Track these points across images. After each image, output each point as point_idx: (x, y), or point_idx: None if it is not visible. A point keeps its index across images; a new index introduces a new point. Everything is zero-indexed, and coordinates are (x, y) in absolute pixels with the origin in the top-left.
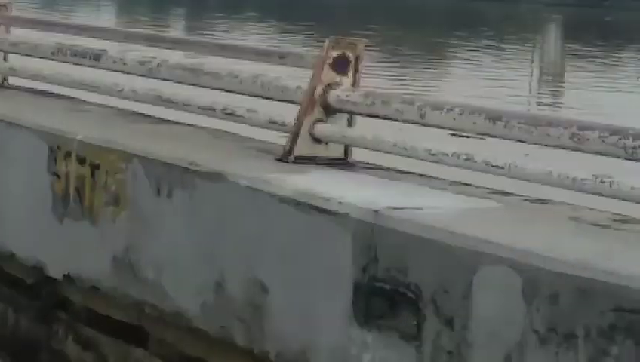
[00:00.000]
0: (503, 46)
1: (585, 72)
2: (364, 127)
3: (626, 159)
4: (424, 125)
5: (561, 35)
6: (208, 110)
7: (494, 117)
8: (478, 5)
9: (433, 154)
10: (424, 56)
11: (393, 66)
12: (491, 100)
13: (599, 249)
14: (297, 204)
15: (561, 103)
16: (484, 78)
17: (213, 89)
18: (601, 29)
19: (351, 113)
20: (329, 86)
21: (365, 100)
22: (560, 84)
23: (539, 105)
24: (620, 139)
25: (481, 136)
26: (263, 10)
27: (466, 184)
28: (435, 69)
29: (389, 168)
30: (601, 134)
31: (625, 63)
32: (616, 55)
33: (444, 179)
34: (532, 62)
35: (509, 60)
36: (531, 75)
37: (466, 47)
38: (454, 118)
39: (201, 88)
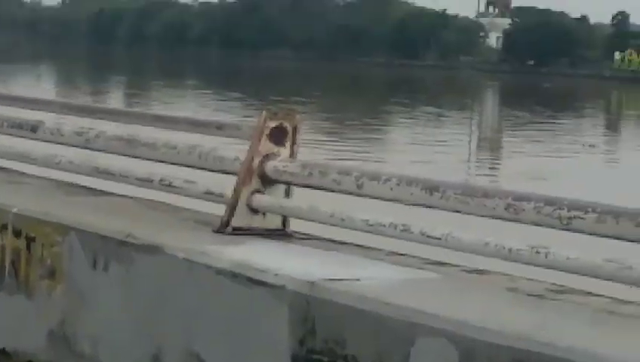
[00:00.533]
0: (443, 112)
1: (524, 138)
2: (302, 198)
3: (561, 229)
4: (361, 196)
5: (500, 101)
6: (146, 181)
7: (431, 187)
8: (416, 72)
9: (370, 225)
10: (367, 123)
11: (336, 132)
12: (432, 165)
13: (535, 320)
14: (234, 276)
15: (498, 168)
16: (424, 145)
17: (150, 160)
18: (541, 95)
19: (288, 184)
20: (266, 157)
21: (303, 171)
22: (498, 150)
23: (478, 170)
24: (555, 209)
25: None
26: (204, 78)
27: (403, 254)
28: (377, 136)
29: (326, 238)
30: (537, 205)
31: (565, 129)
32: (557, 121)
33: (381, 250)
34: (471, 128)
35: (449, 126)
36: (470, 141)
37: (406, 114)
38: (391, 189)
39: (139, 159)
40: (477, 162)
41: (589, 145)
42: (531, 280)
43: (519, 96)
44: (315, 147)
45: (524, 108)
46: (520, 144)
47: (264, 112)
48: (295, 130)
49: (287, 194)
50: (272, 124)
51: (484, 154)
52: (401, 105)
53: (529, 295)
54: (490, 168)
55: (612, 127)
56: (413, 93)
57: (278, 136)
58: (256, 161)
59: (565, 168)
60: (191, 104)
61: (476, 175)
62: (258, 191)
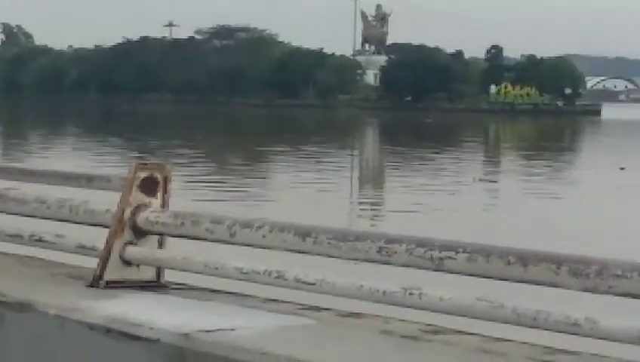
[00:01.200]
0: (324, 151)
1: (408, 174)
2: (177, 248)
3: (433, 270)
4: (234, 244)
5: (381, 138)
6: (15, 237)
7: (303, 233)
8: (296, 111)
9: (245, 273)
10: (248, 164)
11: (219, 174)
12: (314, 205)
13: (411, 361)
14: (108, 332)
15: (382, 206)
16: (305, 184)
17: (20, 215)
18: (422, 130)
19: (161, 234)
20: (138, 208)
21: (175, 221)
22: (381, 187)
23: (360, 209)
24: (427, 250)
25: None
26: (83, 124)
27: (279, 301)
28: (259, 177)
29: (202, 288)
30: (408, 246)
31: (449, 163)
32: (441, 155)
33: (257, 297)
34: (352, 166)
35: (331, 165)
36: (352, 179)
37: (287, 154)
38: (264, 236)
39: (8, 215)
40: (360, 201)
41: (478, 180)
42: (406, 321)
43: (400, 132)
44: (196, 190)
45: (406, 144)
46: (404, 180)
47: (134, 164)
48: (166, 180)
49: (161, 244)
50: (143, 174)
51: (367, 192)
52: (281, 145)
53: (403, 336)
54: (373, 206)
55: (494, 159)
56: (293, 132)
57: (149, 186)
58: (128, 213)
59: (455, 203)
60: (72, 152)
61: (359, 215)
62: (131, 243)
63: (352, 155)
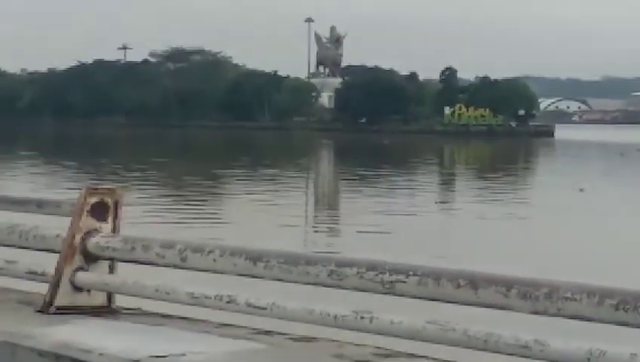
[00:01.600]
0: (280, 173)
1: (366, 196)
2: (129, 273)
3: (384, 293)
4: (186, 268)
5: (337, 160)
6: None
7: (254, 257)
8: (251, 134)
9: (196, 297)
10: (204, 187)
11: (174, 197)
12: (271, 228)
13: None
14: (58, 358)
15: (336, 228)
16: (262, 206)
17: None
18: (379, 152)
19: (112, 259)
20: (88, 233)
21: (125, 246)
22: (339, 209)
23: (315, 232)
24: (378, 274)
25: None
26: (37, 148)
27: (232, 326)
28: (215, 200)
29: (154, 313)
30: (359, 270)
31: (407, 185)
32: (400, 178)
33: (208, 322)
34: (307, 188)
35: (287, 187)
36: (307, 202)
37: (243, 176)
38: (215, 260)
39: None
40: (316, 223)
41: (439, 202)
42: (358, 345)
43: (357, 154)
44: (152, 213)
45: (364, 166)
46: (361, 201)
47: (84, 189)
48: (117, 204)
49: (112, 269)
50: (93, 199)
51: (323, 213)
52: (237, 167)
53: (355, 361)
54: (330, 228)
55: (452, 181)
56: (249, 154)
57: (99, 211)
58: (78, 238)
59: (413, 224)
60: (24, 176)
61: (315, 237)
62: (81, 269)
63: (307, 177)
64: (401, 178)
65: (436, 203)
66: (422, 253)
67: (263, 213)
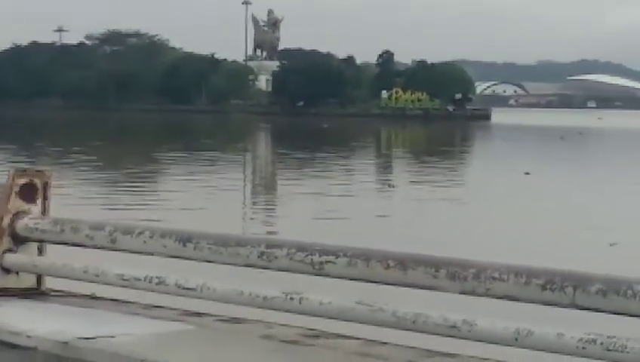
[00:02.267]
0: (218, 156)
1: (297, 178)
2: (58, 255)
3: (314, 275)
4: (116, 250)
5: (277, 144)
6: None
7: (184, 239)
8: (188, 117)
9: (125, 279)
10: (140, 170)
11: (111, 181)
12: (207, 211)
13: None
14: None
15: (274, 211)
16: (199, 190)
17: None
18: (318, 135)
19: (41, 241)
20: (17, 215)
21: (54, 228)
22: (274, 192)
23: (253, 213)
24: (308, 255)
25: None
26: None
27: (161, 307)
28: (151, 183)
29: (84, 295)
30: (289, 251)
31: (338, 169)
32: (335, 161)
33: (138, 303)
34: (245, 171)
35: (225, 171)
36: (245, 184)
37: (179, 159)
38: (145, 242)
39: None
40: (254, 206)
41: (391, 185)
42: (287, 326)
43: (297, 138)
44: (87, 198)
45: (302, 149)
46: (299, 184)
47: (12, 170)
48: (46, 186)
49: (41, 251)
50: (21, 181)
51: (260, 197)
52: (174, 150)
53: (284, 341)
54: (267, 211)
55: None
56: (185, 138)
57: (28, 193)
58: (6, 220)
59: (353, 206)
60: None
61: (252, 218)
62: (10, 251)
63: (244, 161)
64: (346, 161)
65: (390, 186)
66: (360, 235)
67: (199, 199)
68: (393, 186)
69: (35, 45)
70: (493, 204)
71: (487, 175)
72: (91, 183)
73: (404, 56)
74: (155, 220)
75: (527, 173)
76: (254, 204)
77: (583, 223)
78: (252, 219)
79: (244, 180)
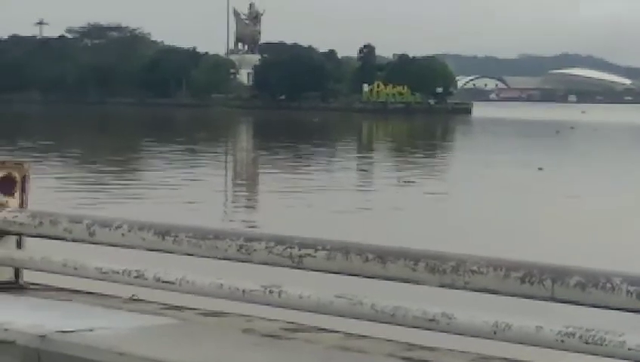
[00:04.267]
0: (199, 149)
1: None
2: (37, 248)
3: (293, 268)
4: (94, 243)
5: (263, 137)
6: None
7: (163, 231)
8: (169, 111)
9: (104, 273)
10: (121, 164)
11: (92, 175)
12: (195, 205)
13: (271, 360)
14: None
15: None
16: (181, 184)
17: None
18: (306, 129)
19: (19, 234)
20: None
21: (33, 221)
22: (255, 186)
23: (235, 207)
24: (287, 248)
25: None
26: None
27: (141, 301)
28: (133, 176)
29: (63, 288)
30: (268, 244)
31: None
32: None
33: (119, 297)
34: (226, 165)
35: (206, 165)
36: (226, 177)
37: (162, 153)
38: (123, 235)
39: None
40: (235, 199)
41: (404, 181)
42: (267, 319)
43: (290, 134)
44: (68, 190)
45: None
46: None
47: None
48: (24, 179)
49: (19, 245)
50: (0, 174)
51: (241, 190)
52: (155, 144)
53: (264, 335)
54: (248, 204)
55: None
56: (167, 132)
57: (6, 186)
58: None
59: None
60: None
61: (234, 208)
62: None
63: (226, 154)
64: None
65: (405, 182)
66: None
67: (183, 192)
68: (406, 182)
69: (15, 38)
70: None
71: (505, 171)
72: (68, 177)
73: (386, 50)
74: (132, 214)
75: (541, 169)
76: (234, 198)
77: None
78: (233, 210)
79: (225, 174)
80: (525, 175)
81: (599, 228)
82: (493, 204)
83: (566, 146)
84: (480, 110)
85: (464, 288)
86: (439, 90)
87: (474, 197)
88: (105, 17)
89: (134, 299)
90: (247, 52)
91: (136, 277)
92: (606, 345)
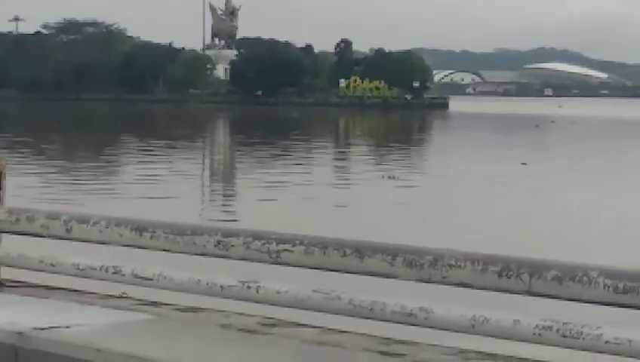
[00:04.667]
0: (176, 145)
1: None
2: (14, 245)
3: (271, 263)
4: (71, 240)
5: (232, 132)
6: None
7: (140, 228)
8: (146, 107)
9: (81, 269)
10: (97, 160)
11: (67, 171)
12: (170, 201)
13: (249, 355)
14: None
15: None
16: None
17: None
18: (284, 124)
19: None
20: None
21: (9, 217)
22: (232, 181)
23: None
24: (264, 243)
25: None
26: None
27: (118, 297)
28: (108, 173)
29: (39, 285)
30: (245, 240)
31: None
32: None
33: (95, 293)
34: (204, 161)
35: (183, 160)
36: (202, 175)
37: (138, 149)
38: (100, 231)
39: None
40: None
41: (388, 177)
42: (244, 315)
43: (269, 128)
44: (46, 186)
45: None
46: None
47: None
48: (0, 175)
49: None
50: None
51: (218, 184)
52: (131, 141)
53: (241, 330)
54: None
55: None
56: (143, 128)
57: None
58: None
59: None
60: None
61: (211, 203)
62: None
63: (203, 150)
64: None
65: (389, 178)
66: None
67: (160, 188)
68: (393, 178)
69: None
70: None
71: (490, 166)
72: (44, 175)
73: (362, 45)
74: (109, 210)
75: (524, 164)
76: (213, 192)
77: None
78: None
79: (202, 168)
80: (510, 170)
81: (587, 222)
82: (485, 200)
83: (546, 140)
84: (457, 104)
85: (442, 282)
86: (416, 84)
87: (467, 197)
88: (81, 13)
89: (124, 297)
90: (223, 47)
91: (113, 273)
92: (583, 338)
